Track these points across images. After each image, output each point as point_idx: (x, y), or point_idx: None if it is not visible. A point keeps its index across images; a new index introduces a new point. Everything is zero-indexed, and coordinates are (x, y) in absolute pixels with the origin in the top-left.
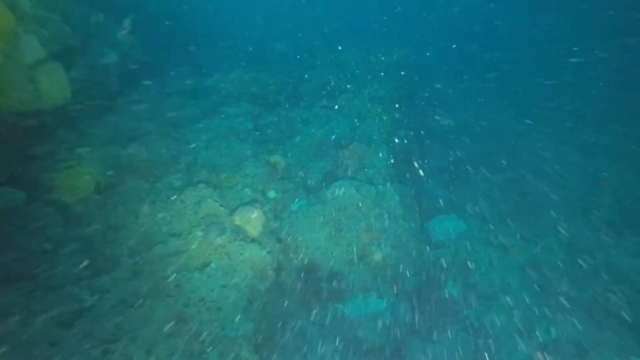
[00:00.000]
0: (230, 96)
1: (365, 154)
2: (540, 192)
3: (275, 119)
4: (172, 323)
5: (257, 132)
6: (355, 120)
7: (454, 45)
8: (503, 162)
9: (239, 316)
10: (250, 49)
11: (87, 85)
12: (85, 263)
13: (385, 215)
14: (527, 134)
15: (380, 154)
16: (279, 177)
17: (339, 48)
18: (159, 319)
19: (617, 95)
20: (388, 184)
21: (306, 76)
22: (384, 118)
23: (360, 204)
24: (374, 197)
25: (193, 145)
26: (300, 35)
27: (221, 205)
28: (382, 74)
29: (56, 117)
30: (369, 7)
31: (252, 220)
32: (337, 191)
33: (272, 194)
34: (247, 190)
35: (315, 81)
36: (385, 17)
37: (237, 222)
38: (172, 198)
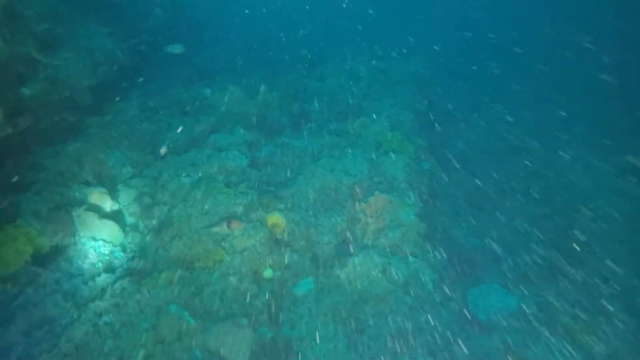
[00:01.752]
0: (224, 117)
1: (388, 207)
2: (582, 229)
3: (276, 149)
4: None
5: (253, 170)
6: (374, 155)
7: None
8: (536, 195)
9: None
10: (252, 55)
11: (50, 102)
12: None
13: (420, 306)
14: (562, 158)
15: (407, 206)
16: (278, 244)
17: (351, 56)
18: None
19: None
20: (420, 255)
21: (314, 90)
22: (409, 150)
23: (386, 293)
24: (404, 279)
25: (170, 190)
26: (308, 40)
27: (191, 316)
28: (399, 87)
29: (4, 142)
30: (382, 10)
31: (235, 344)
32: (355, 271)
33: (268, 273)
34: (232, 279)
35: (325, 97)
36: (401, 22)
37: (213, 347)
38: (126, 292)
